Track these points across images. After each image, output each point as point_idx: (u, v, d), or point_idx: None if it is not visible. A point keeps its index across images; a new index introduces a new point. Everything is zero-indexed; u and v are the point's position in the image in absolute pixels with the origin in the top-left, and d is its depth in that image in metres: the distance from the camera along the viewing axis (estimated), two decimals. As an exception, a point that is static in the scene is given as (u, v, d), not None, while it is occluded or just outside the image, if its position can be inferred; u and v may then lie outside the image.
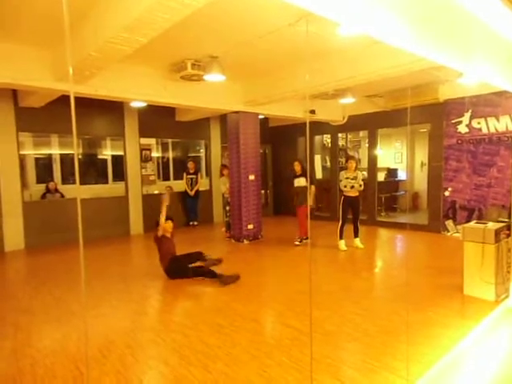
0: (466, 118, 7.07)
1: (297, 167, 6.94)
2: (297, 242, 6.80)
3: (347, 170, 6.38)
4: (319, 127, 9.36)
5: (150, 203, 8.65)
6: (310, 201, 6.72)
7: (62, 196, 7.82)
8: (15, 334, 3.41)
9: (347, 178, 6.29)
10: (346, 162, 6.64)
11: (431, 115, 7.48)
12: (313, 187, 6.85)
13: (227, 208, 7.60)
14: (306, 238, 6.82)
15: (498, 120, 6.67)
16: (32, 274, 5.61)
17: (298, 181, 6.89)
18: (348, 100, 7.35)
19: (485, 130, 6.85)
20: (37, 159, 8.57)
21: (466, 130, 7.08)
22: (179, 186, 9.32)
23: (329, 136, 9.98)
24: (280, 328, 3.45)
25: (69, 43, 3.33)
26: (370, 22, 2.13)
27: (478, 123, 6.93)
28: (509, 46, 3.48)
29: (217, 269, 4.85)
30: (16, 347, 3.13)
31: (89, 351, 3.00)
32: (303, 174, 6.89)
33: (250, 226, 7.30)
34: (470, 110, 6.99)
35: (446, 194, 7.44)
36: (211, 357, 2.87)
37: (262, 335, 3.31)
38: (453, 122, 7.25)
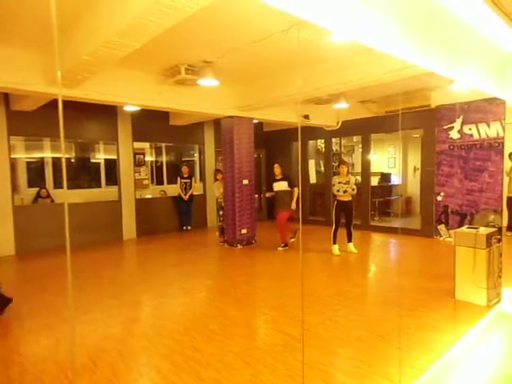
0: (457, 124, 7.15)
1: (276, 170, 6.83)
2: (280, 248, 6.80)
3: (339, 175, 6.41)
4: (313, 132, 9.40)
5: (144, 208, 8.62)
6: (293, 204, 6.68)
7: (52, 201, 7.77)
8: (4, 340, 3.36)
9: (340, 183, 6.31)
10: (338, 166, 6.65)
11: (423, 121, 7.55)
12: (296, 190, 6.74)
13: (221, 213, 7.58)
14: (286, 245, 6.82)
15: (488, 126, 6.76)
16: (22, 279, 5.53)
17: (278, 185, 6.80)
18: (342, 105, 7.39)
19: (476, 136, 6.93)
20: (28, 163, 8.48)
21: (458, 135, 7.16)
22: (173, 190, 9.29)
23: (323, 141, 10.03)
24: (273, 334, 3.43)
25: (57, 46, 3.30)
26: (360, 30, 2.15)
27: (470, 129, 7.01)
28: (498, 52, 3.53)
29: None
30: (5, 354, 3.07)
31: (79, 359, 2.95)
32: (284, 178, 6.79)
33: (244, 231, 7.28)
34: (462, 116, 7.07)
35: (439, 198, 7.49)
36: (203, 363, 2.84)
37: (254, 341, 3.29)
38: (444, 127, 7.33)
